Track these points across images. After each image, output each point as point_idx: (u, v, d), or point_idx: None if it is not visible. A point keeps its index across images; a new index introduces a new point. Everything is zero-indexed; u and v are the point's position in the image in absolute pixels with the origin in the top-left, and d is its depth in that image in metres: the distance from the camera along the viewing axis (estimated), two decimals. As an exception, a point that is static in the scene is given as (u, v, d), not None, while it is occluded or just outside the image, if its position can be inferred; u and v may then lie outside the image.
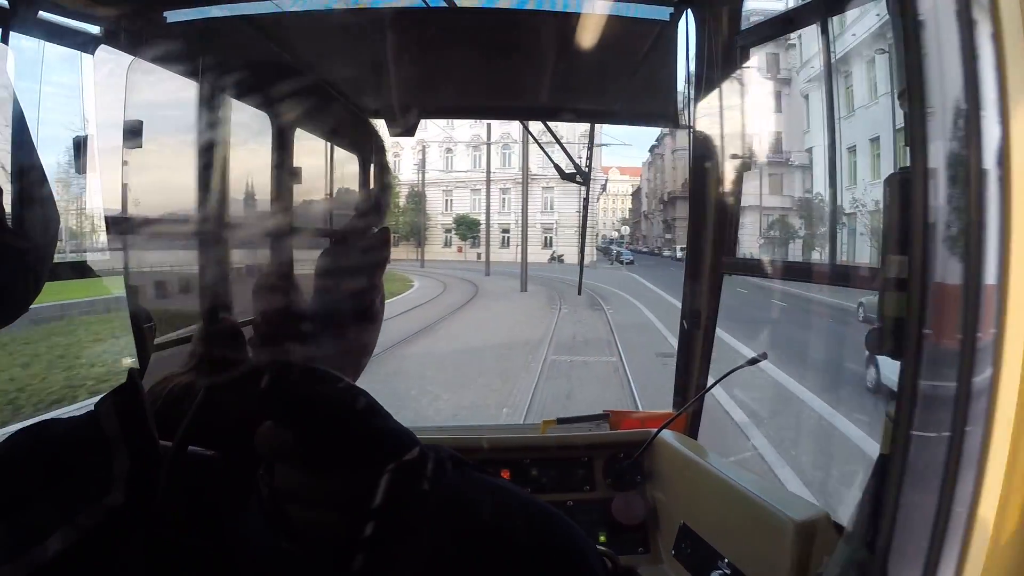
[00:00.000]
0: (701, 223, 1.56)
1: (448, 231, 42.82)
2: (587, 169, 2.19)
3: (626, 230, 43.95)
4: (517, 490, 0.47)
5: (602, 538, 1.35)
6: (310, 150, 0.46)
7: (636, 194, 73.05)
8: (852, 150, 20.76)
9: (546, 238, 42.99)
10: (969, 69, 0.37)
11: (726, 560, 1.12)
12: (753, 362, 1.35)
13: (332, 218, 0.47)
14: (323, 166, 0.48)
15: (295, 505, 0.42)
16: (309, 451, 0.41)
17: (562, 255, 39.45)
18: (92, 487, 0.41)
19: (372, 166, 0.50)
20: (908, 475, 0.37)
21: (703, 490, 1.26)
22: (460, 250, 40.20)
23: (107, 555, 0.40)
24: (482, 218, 29.89)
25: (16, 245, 0.64)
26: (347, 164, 0.49)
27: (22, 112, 0.71)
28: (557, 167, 2.13)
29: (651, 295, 19.35)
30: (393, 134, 1.78)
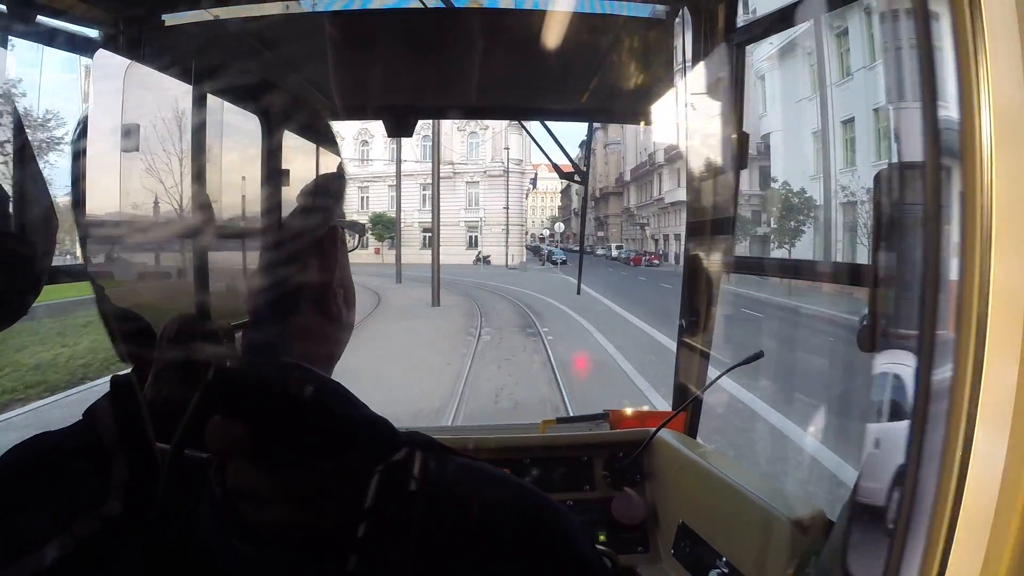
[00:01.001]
0: (699, 222, 1.56)
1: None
2: (585, 169, 2.20)
3: (560, 227, 39.21)
4: (503, 476, 0.46)
5: (602, 537, 1.35)
6: (255, 143, 0.45)
7: (566, 191, 69.27)
8: (816, 135, 19.55)
9: (471, 237, 38.55)
10: (951, 66, 0.38)
11: (724, 559, 1.13)
12: (751, 360, 1.35)
13: (274, 217, 0.45)
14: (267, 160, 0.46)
15: (249, 504, 0.40)
16: (263, 446, 0.39)
17: (488, 256, 35.67)
18: (89, 496, 0.41)
19: (319, 160, 0.48)
20: (880, 472, 0.38)
21: (702, 489, 1.26)
22: (377, 251, 35.95)
23: (104, 564, 0.40)
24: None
25: (20, 251, 0.64)
26: (295, 160, 0.47)
27: (19, 114, 0.71)
28: (555, 167, 2.14)
29: (599, 308, 14.86)
30: (391, 135, 1.79)
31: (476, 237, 38.15)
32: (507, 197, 37.30)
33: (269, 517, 0.40)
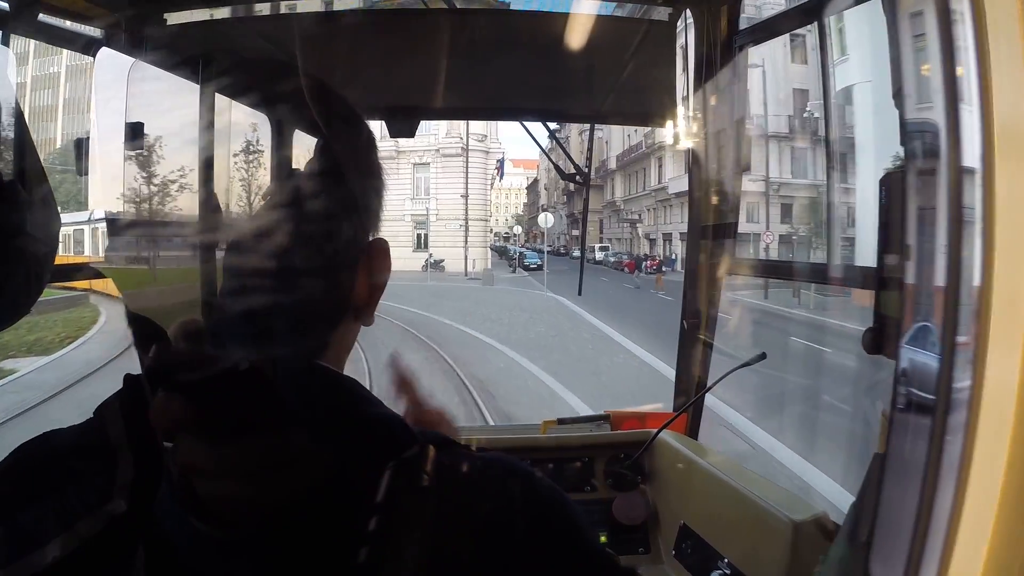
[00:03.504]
0: (701, 224, 1.56)
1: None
2: (587, 169, 2.20)
3: (549, 219, 25.74)
4: (514, 469, 0.47)
5: (603, 538, 1.35)
6: (294, 149, 0.45)
7: (532, 187, 61.71)
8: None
9: (419, 236, 27.73)
10: (955, 70, 0.38)
11: (726, 560, 1.12)
12: (752, 362, 1.35)
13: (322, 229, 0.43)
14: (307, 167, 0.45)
15: (201, 480, 0.39)
16: (207, 419, 0.38)
17: (442, 260, 26.38)
18: (95, 494, 0.41)
19: (360, 166, 0.47)
20: (892, 473, 0.38)
21: (703, 490, 1.26)
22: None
23: (107, 562, 0.40)
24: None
25: (26, 249, 0.64)
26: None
27: (22, 114, 0.71)
28: (557, 167, 2.14)
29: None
30: (393, 135, 1.79)
31: (424, 235, 27.69)
32: (466, 183, 27.51)
33: (221, 492, 0.39)
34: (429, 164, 28.27)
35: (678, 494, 1.34)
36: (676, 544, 1.28)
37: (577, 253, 38.13)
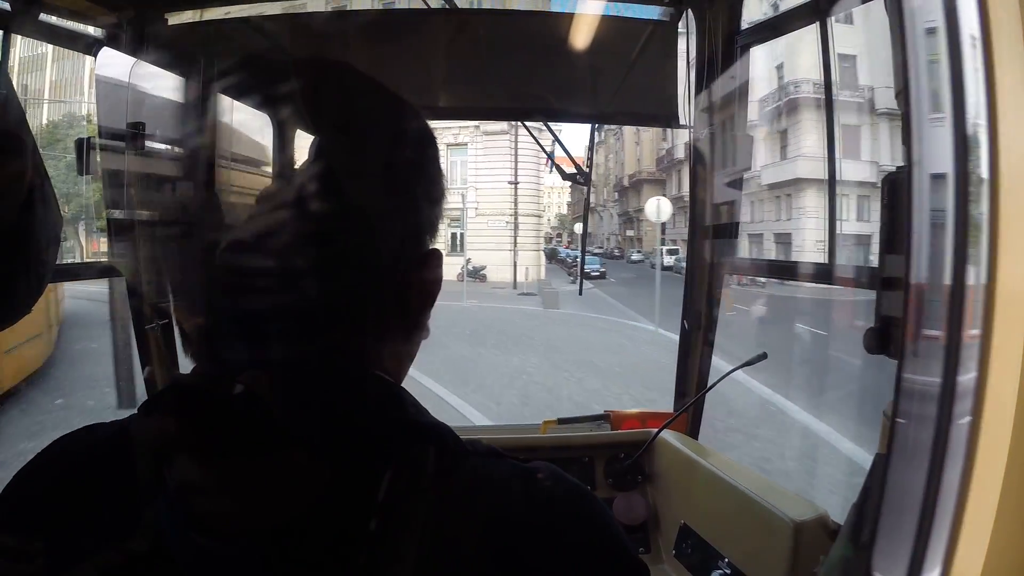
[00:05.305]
0: (702, 223, 1.57)
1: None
2: (588, 169, 2.21)
3: (664, 208, 12.55)
4: (527, 470, 0.44)
5: None
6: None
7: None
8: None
9: (453, 236, 20.77)
10: (960, 71, 0.38)
11: (726, 560, 1.12)
12: (754, 361, 1.35)
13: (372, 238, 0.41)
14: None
15: (202, 497, 0.39)
16: (197, 438, 0.38)
17: (483, 268, 20.15)
18: (120, 524, 0.40)
19: (418, 170, 0.45)
20: (894, 473, 0.38)
21: (703, 490, 1.26)
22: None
23: None
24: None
25: (27, 249, 0.64)
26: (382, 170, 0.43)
27: (23, 111, 0.71)
28: (558, 167, 2.15)
29: None
30: None
31: (460, 235, 20.70)
32: (515, 167, 20.23)
33: (217, 508, 0.39)
34: (467, 145, 21.04)
35: (678, 494, 1.34)
36: (676, 544, 1.28)
37: (636, 256, 35.72)
